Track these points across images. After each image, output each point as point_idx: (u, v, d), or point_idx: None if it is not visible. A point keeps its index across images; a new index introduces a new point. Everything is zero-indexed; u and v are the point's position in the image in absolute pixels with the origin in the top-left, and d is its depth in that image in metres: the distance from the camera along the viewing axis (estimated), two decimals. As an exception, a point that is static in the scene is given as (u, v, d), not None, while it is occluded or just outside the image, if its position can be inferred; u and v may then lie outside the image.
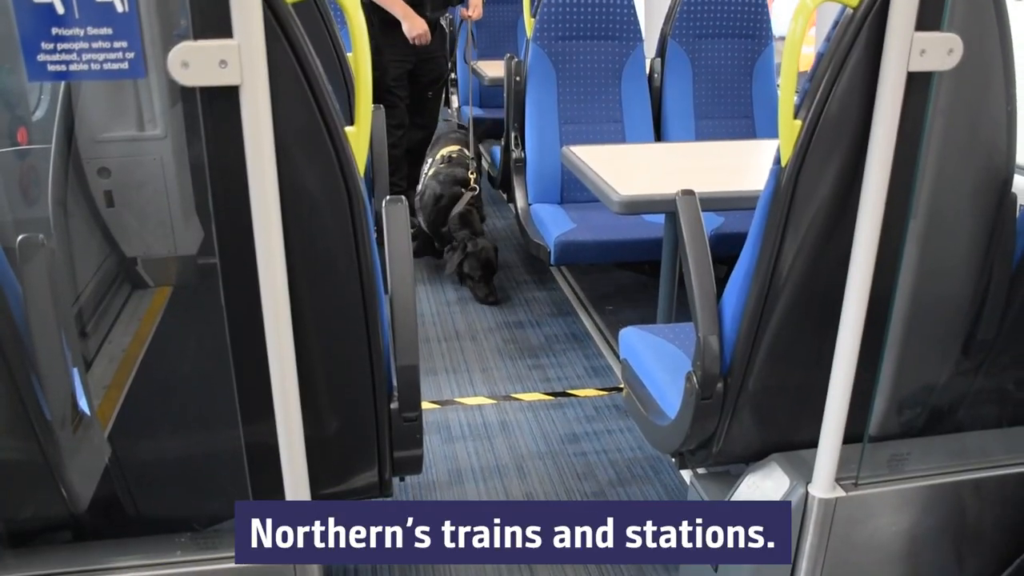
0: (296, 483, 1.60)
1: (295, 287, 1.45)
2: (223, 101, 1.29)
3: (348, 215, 1.49)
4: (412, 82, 4.53)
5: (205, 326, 1.74)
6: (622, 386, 2.40)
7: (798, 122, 1.58)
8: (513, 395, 3.25)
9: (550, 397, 3.26)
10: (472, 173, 4.17)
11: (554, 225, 3.47)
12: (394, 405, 1.73)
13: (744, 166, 3.13)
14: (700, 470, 2.19)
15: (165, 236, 1.91)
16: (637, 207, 2.53)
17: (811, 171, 1.61)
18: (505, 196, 4.36)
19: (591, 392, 3.28)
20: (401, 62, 4.36)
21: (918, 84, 1.53)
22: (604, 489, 2.71)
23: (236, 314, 1.49)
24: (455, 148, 4.34)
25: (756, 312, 1.75)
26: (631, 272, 4.27)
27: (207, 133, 1.36)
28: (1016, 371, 2.06)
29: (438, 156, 4.32)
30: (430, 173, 4.28)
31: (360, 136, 1.49)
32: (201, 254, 1.81)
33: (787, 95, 1.59)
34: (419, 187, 4.37)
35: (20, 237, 1.42)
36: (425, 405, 3.16)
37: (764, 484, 1.92)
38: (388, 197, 1.74)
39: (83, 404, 1.64)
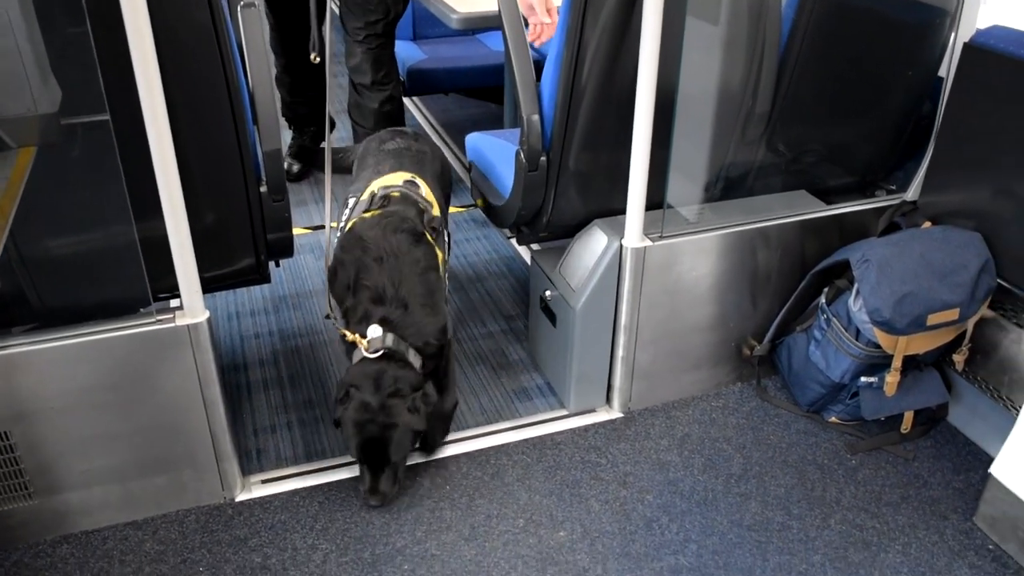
0: (186, 268, 1.87)
1: (169, 91, 1.66)
2: None
3: (208, 15, 1.70)
4: None
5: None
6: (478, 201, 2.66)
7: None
8: (379, 217, 3.49)
9: (413, 216, 3.53)
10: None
11: (407, 58, 3.67)
12: (263, 189, 1.98)
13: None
14: (535, 247, 2.54)
15: (22, 94, 2.03)
16: (474, 22, 2.77)
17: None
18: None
19: (451, 209, 3.57)
20: None
21: None
22: (464, 285, 3.05)
23: (123, 123, 1.69)
24: (403, 177, 2.28)
25: (566, 95, 2.05)
26: (481, 102, 4.50)
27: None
28: (790, 144, 2.46)
29: (366, 194, 2.25)
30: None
31: None
32: (64, 113, 1.96)
33: None
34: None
35: None
36: (298, 231, 3.41)
37: (589, 244, 2.28)
38: (242, 3, 1.93)
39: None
